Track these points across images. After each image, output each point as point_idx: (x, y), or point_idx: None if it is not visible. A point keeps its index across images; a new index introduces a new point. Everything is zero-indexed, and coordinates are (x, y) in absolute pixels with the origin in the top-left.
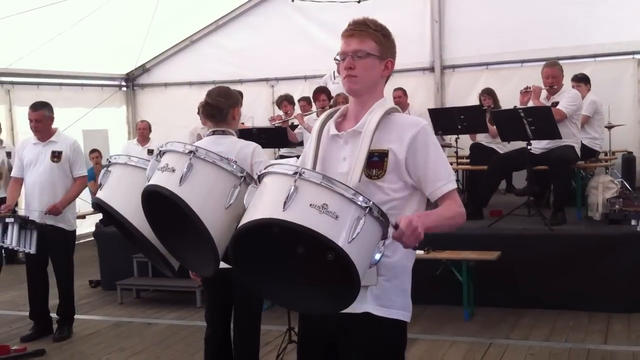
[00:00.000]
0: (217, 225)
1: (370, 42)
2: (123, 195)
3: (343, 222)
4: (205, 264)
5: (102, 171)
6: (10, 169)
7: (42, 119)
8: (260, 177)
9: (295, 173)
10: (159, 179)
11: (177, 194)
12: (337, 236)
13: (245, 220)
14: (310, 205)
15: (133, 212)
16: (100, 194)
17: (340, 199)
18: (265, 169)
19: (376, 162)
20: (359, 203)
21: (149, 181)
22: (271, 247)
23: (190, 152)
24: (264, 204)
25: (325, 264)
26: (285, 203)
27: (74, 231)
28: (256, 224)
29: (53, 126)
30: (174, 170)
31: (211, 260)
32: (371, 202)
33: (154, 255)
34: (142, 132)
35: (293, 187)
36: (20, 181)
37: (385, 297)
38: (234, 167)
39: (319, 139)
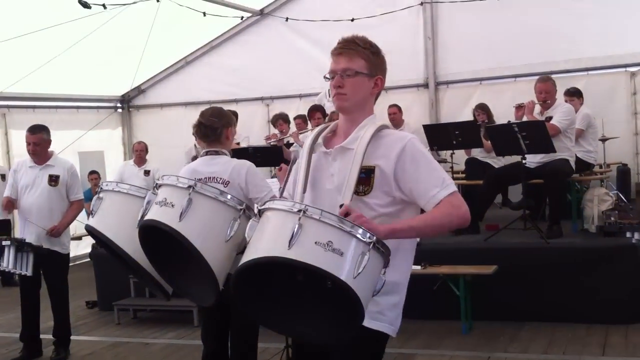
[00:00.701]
0: (218, 258)
1: (359, 61)
2: (114, 222)
3: (348, 259)
4: (204, 294)
5: (94, 198)
6: None
7: (40, 142)
8: (261, 212)
9: (300, 211)
10: (158, 214)
11: (178, 230)
12: (343, 273)
13: (250, 257)
14: (316, 243)
15: (124, 239)
16: (92, 222)
17: (344, 236)
18: (266, 204)
19: (363, 179)
20: (363, 239)
21: (146, 215)
22: (271, 278)
23: (190, 187)
24: (268, 241)
25: (326, 290)
26: (290, 241)
27: (68, 254)
28: (262, 262)
29: (49, 149)
30: (173, 206)
31: (212, 291)
32: (375, 237)
33: (147, 280)
34: (140, 153)
35: (297, 225)
36: (13, 201)
37: (375, 310)
38: (233, 200)
39: (309, 156)
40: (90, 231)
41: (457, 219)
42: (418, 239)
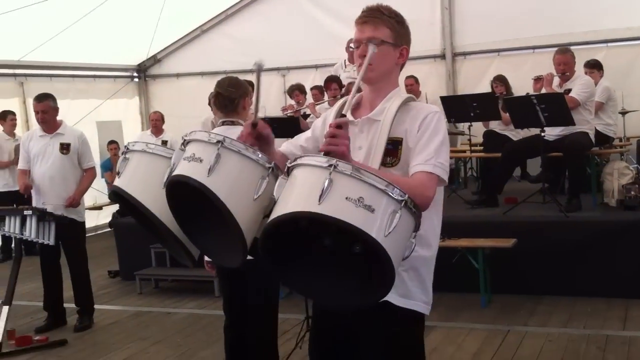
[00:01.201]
0: (246, 217)
1: (384, 29)
2: (142, 183)
3: (379, 216)
4: (231, 255)
5: (120, 159)
6: None
7: (48, 109)
8: (290, 169)
9: (330, 165)
10: (186, 169)
11: (206, 185)
12: (374, 230)
13: (279, 212)
14: (346, 198)
15: (152, 199)
16: (118, 182)
17: (376, 192)
18: (295, 160)
19: (390, 150)
20: (395, 196)
21: (174, 170)
22: (298, 239)
23: (218, 142)
24: (298, 197)
25: (354, 255)
26: (320, 196)
27: (84, 222)
28: (292, 217)
29: (58, 118)
30: (201, 161)
31: (239, 251)
32: (406, 196)
33: (173, 244)
34: (155, 123)
35: (328, 180)
36: (26, 172)
37: (403, 286)
38: (262, 157)
39: None
40: (117, 192)
41: (414, 197)
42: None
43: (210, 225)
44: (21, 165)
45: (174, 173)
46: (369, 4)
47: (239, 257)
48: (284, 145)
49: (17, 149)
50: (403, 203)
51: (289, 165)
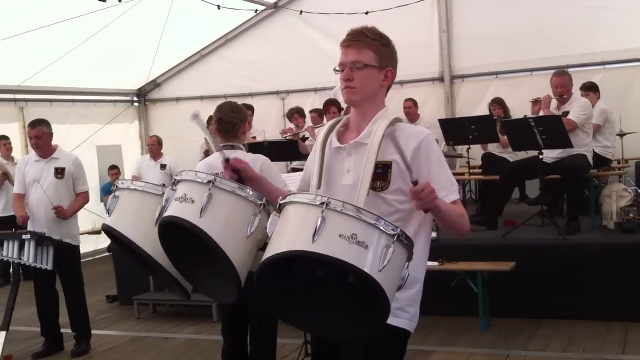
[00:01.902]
0: (239, 254)
1: (368, 52)
2: (132, 220)
3: (373, 251)
4: (225, 292)
5: (110, 197)
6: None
7: (41, 135)
8: (282, 206)
9: (322, 203)
10: (178, 210)
11: (199, 226)
12: (369, 266)
13: (273, 251)
14: (340, 235)
15: (142, 237)
16: (108, 221)
17: (368, 228)
18: (287, 197)
19: (380, 174)
20: (387, 231)
21: (166, 211)
22: (291, 273)
23: (209, 181)
24: (292, 235)
25: (348, 286)
26: (314, 234)
27: (79, 246)
28: (286, 256)
29: (53, 143)
30: (193, 201)
31: (233, 288)
32: (399, 230)
33: (166, 279)
34: (151, 147)
35: (321, 218)
36: (22, 197)
37: (395, 307)
38: (252, 194)
39: (323, 151)
40: (107, 230)
41: (466, 226)
42: (434, 234)
43: (204, 263)
44: (17, 189)
45: (166, 214)
46: (354, 27)
47: (233, 293)
48: (296, 185)
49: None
50: (395, 237)
51: (281, 202)
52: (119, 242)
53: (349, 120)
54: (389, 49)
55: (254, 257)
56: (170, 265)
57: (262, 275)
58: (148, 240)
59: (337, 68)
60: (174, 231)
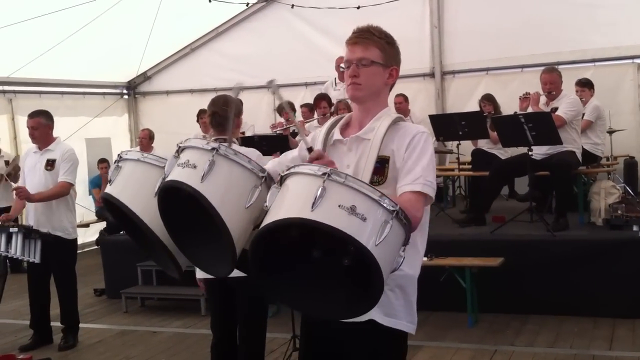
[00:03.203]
0: (237, 224)
1: (374, 50)
2: (133, 190)
3: (371, 225)
4: (219, 265)
5: (112, 167)
6: (9, 175)
7: (38, 126)
8: (284, 178)
9: (324, 174)
10: (180, 175)
11: (199, 191)
12: (365, 238)
13: (271, 218)
14: (339, 206)
15: (142, 207)
16: (109, 189)
17: (368, 201)
18: (290, 169)
19: (378, 169)
20: (387, 206)
21: (168, 177)
22: (286, 252)
23: (213, 148)
24: (291, 204)
25: (342, 268)
26: (313, 203)
27: (74, 240)
28: (284, 223)
29: (55, 135)
30: (195, 167)
31: (227, 260)
32: (398, 207)
33: (160, 254)
34: (142, 140)
35: (321, 188)
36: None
37: (389, 306)
38: (255, 166)
39: (324, 145)
40: (107, 199)
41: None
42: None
43: (200, 234)
44: (21, 183)
45: (167, 179)
46: (360, 25)
47: (227, 267)
48: (269, 163)
49: (7, 163)
50: (394, 214)
51: (282, 174)
52: (117, 213)
53: (351, 118)
54: (394, 48)
55: (249, 234)
56: (166, 238)
57: (258, 246)
58: (146, 211)
59: (343, 66)
60: (173, 198)
